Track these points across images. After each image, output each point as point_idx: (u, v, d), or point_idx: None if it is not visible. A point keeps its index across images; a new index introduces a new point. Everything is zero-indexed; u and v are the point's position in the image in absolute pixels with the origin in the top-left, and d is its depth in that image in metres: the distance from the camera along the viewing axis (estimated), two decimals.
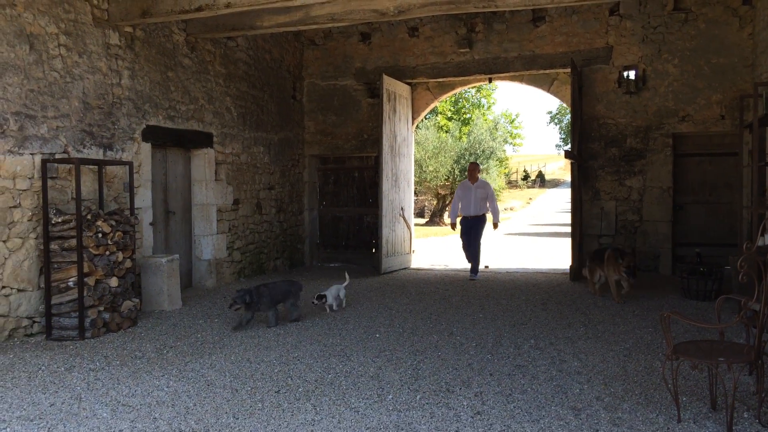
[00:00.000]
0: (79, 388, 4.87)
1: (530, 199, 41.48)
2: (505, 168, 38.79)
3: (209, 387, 4.90)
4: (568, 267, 10.41)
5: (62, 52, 6.78)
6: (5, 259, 6.20)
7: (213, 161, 9.44)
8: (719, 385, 4.24)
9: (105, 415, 4.32)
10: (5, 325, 6.22)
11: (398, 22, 11.46)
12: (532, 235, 20.54)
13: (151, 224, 8.14)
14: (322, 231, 12.79)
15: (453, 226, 11.19)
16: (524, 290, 9.22)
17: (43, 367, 5.39)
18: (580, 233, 10.35)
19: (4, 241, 6.18)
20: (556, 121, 55.89)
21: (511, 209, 35.51)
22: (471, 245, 10.37)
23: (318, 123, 12.34)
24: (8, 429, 4.07)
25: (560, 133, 55.29)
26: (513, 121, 45.53)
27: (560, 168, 56.65)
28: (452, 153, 26.06)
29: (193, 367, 5.41)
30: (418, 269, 11.87)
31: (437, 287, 9.60)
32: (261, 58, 10.81)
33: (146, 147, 8.04)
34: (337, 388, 4.85)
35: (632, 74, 10.36)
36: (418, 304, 8.19)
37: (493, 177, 27.80)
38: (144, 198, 8.00)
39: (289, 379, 5.10)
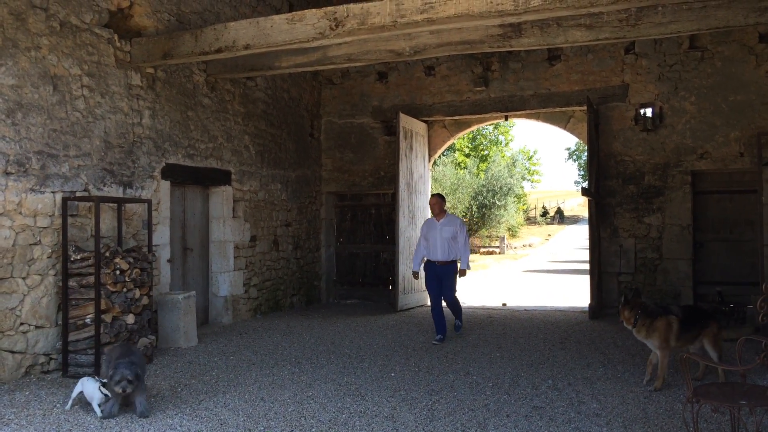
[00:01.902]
0: (93, 426, 4.87)
1: (549, 235, 41.23)
2: (523, 204, 38.79)
3: (222, 426, 4.87)
4: (587, 305, 10.28)
5: (85, 92, 6.94)
6: (24, 296, 6.26)
7: (231, 198, 9.54)
8: (741, 428, 4.12)
9: None
10: (22, 362, 6.25)
11: (414, 62, 11.62)
12: (551, 272, 20.35)
13: (168, 261, 8.20)
14: (339, 268, 12.78)
15: (415, 274, 8.60)
16: (542, 329, 9.10)
17: (58, 405, 5.39)
18: (599, 271, 10.25)
19: (24, 278, 6.26)
20: (574, 157, 55.93)
21: (529, 246, 35.30)
22: (445, 297, 8.32)
23: (335, 160, 12.45)
24: None
25: (579, 169, 55.27)
26: (531, 157, 45.69)
27: (579, 204, 56.38)
28: (470, 189, 26.18)
29: (206, 406, 5.38)
30: None
31: (453, 325, 9.48)
32: (279, 97, 10.98)
33: (165, 185, 8.15)
34: (351, 429, 4.80)
35: (649, 112, 10.35)
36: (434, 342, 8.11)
37: (511, 213, 27.83)
38: (162, 235, 8.07)
39: (303, 418, 5.05)
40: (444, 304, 8.37)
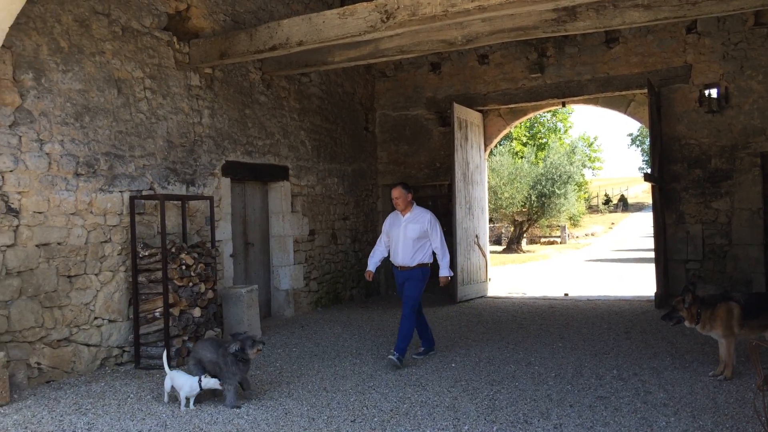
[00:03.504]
0: (164, 415, 5.05)
1: (612, 224, 40.23)
2: (584, 193, 37.94)
3: (287, 415, 4.97)
4: (653, 294, 10.00)
5: (147, 94, 7.18)
6: (97, 291, 6.54)
7: (289, 193, 9.70)
8: None
9: None
10: (97, 354, 6.54)
11: (468, 51, 11.52)
12: (615, 261, 19.88)
13: (231, 256, 8.41)
14: None
15: (369, 274, 6.96)
16: (606, 318, 8.92)
17: (132, 395, 5.62)
18: (665, 259, 9.95)
19: (96, 275, 6.54)
20: (637, 142, 54.31)
21: (592, 235, 34.54)
22: (403, 306, 6.64)
23: (390, 153, 12.49)
24: None
25: (642, 155, 53.65)
26: (591, 144, 44.58)
27: (644, 191, 54.75)
28: (528, 179, 25.71)
29: (271, 396, 5.51)
30: (495, 297, 11.70)
31: (514, 315, 9.42)
32: (334, 92, 11.08)
33: (226, 182, 8.35)
34: (413, 418, 4.82)
35: (714, 92, 9.96)
36: (495, 333, 8.06)
37: (572, 202, 27.20)
38: (224, 231, 8.29)
39: (365, 408, 5.11)
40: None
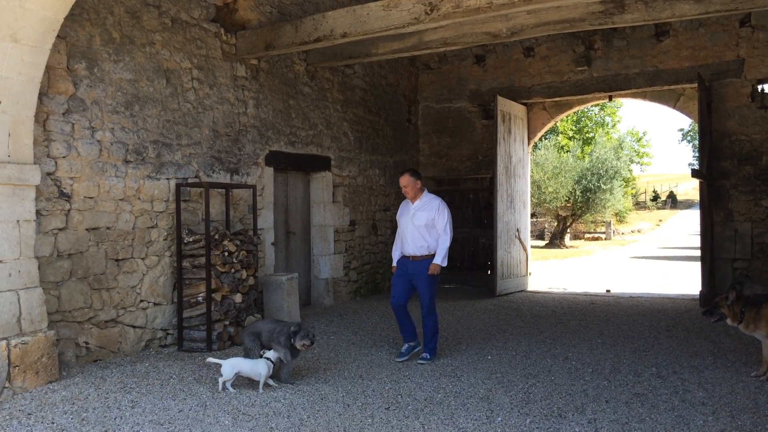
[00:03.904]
0: (205, 396, 5.20)
1: (660, 220, 39.36)
2: (631, 188, 37.19)
3: (323, 401, 5.07)
4: (698, 293, 9.79)
5: (195, 85, 7.36)
6: (143, 275, 6.76)
7: (331, 184, 9.81)
8: None
9: (227, 422, 4.59)
10: (143, 335, 6.76)
11: (513, 43, 11.41)
12: (661, 259, 19.48)
13: (272, 244, 8.57)
14: None
15: (395, 269, 6.59)
16: (648, 316, 8.78)
17: (174, 376, 5.80)
18: (711, 257, 9.72)
19: (143, 259, 6.75)
20: (689, 138, 52.87)
21: (638, 231, 33.88)
22: (421, 302, 6.39)
23: (432, 145, 12.49)
24: None
25: (694, 150, 52.22)
26: (640, 139, 43.62)
27: (694, 188, 53.26)
28: (573, 173, 25.35)
29: (308, 381, 5.62)
30: (535, 292, 11.62)
31: (554, 310, 9.35)
32: (377, 84, 11.14)
33: (269, 171, 8.50)
34: (446, 408, 4.86)
35: (767, 88, 9.66)
36: (533, 327, 8.02)
37: (618, 198, 26.72)
38: (266, 219, 8.44)
39: (399, 396, 5.17)
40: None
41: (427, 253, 6.33)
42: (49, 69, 5.68)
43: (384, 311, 9.29)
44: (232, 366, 5.38)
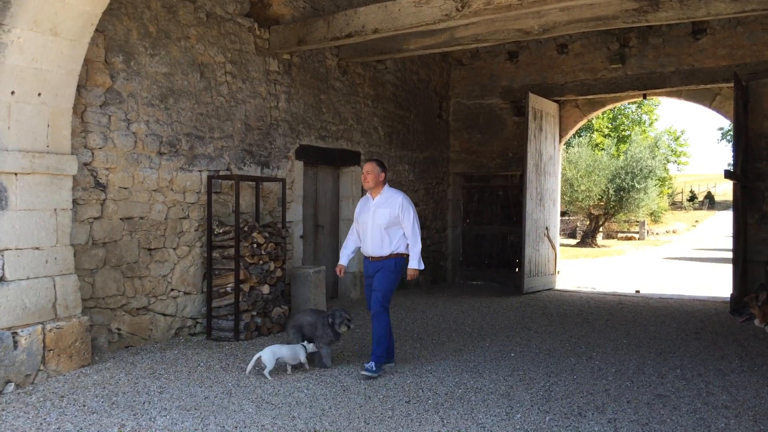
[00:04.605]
0: (230, 384, 5.33)
1: (696, 221, 38.63)
2: (667, 188, 36.56)
3: (345, 392, 5.15)
4: (729, 296, 9.63)
5: (228, 79, 7.49)
6: (174, 264, 6.92)
7: (360, 178, 9.87)
8: None
9: (250, 410, 4.70)
10: (173, 324, 6.93)
11: (546, 40, 11.33)
12: (694, 260, 19.15)
13: (301, 237, 8.68)
14: (465, 249, 12.84)
15: (339, 269, 6.12)
16: (676, 317, 8.68)
17: (202, 364, 5.94)
18: (744, 259, 9.54)
19: (174, 249, 6.91)
20: (728, 138, 51.70)
21: (673, 232, 33.31)
22: (372, 302, 5.87)
23: (463, 141, 12.48)
24: (168, 417, 4.55)
25: (733, 150, 51.03)
26: (678, 138, 42.82)
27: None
28: (606, 172, 25.03)
29: (331, 373, 5.71)
30: (563, 291, 11.55)
31: (581, 310, 9.30)
32: (408, 79, 11.17)
33: (299, 165, 8.61)
34: (466, 403, 4.91)
35: None
36: (558, 326, 8.00)
37: (652, 197, 26.31)
38: (295, 212, 8.56)
39: (420, 390, 5.23)
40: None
41: (388, 254, 5.78)
42: (87, 62, 5.86)
43: (410, 306, 9.36)
44: (272, 353, 5.58)
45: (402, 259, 5.85)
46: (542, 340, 7.16)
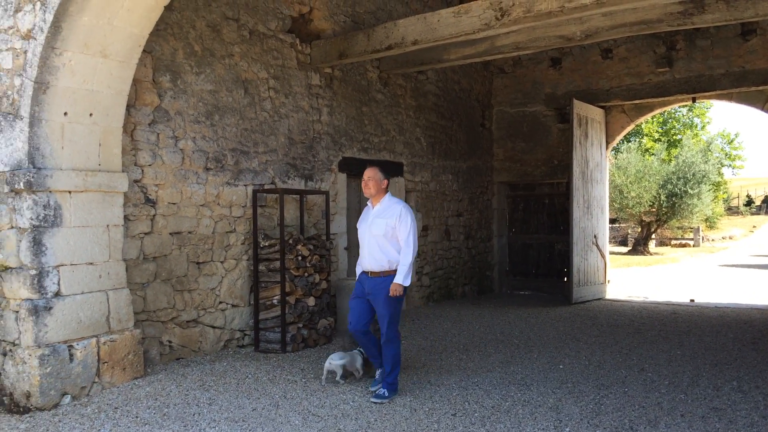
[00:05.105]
0: (277, 396, 5.38)
1: (754, 227, 37.28)
2: (723, 193, 35.46)
3: (390, 404, 5.14)
4: None
5: (271, 94, 7.61)
6: (222, 278, 7.04)
7: (403, 189, 9.90)
8: None
9: (297, 422, 4.73)
10: (221, 336, 7.05)
11: (590, 45, 11.17)
12: (752, 267, 18.49)
13: (345, 249, 8.73)
14: (511, 258, 12.70)
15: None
16: (733, 327, 8.38)
17: (250, 376, 6.02)
18: None
19: (222, 262, 7.04)
20: None
21: (729, 238, 32.24)
22: (381, 329, 5.48)
23: (507, 150, 12.37)
24: (217, 428, 4.62)
25: None
26: (732, 141, 41.56)
27: None
28: (657, 177, 24.43)
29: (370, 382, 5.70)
30: (613, 300, 11.29)
31: (632, 320, 9.07)
32: (450, 89, 11.15)
33: (342, 177, 8.68)
34: (514, 417, 4.84)
35: None
36: (609, 337, 7.82)
37: (706, 203, 25.53)
38: (340, 224, 8.61)
39: (467, 403, 5.18)
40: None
41: (387, 269, 5.33)
42: (136, 82, 6.04)
43: (456, 317, 9.29)
44: (338, 362, 5.74)
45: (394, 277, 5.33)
46: (592, 352, 7.01)
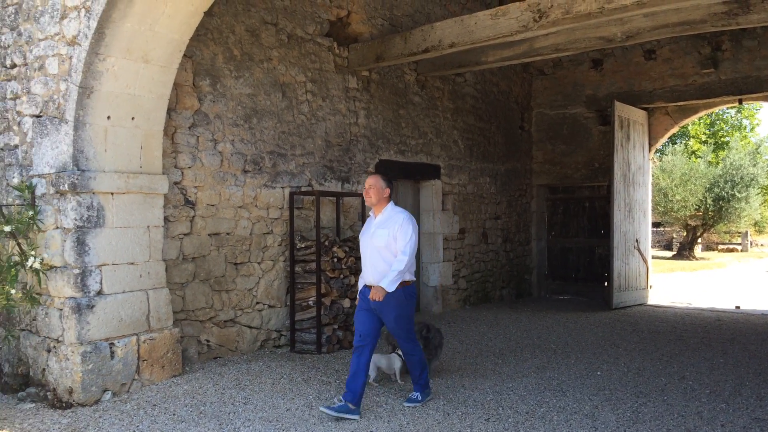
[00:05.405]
0: (311, 397, 5.42)
1: None
2: None
3: (423, 408, 5.13)
4: None
5: (308, 97, 7.69)
6: (259, 278, 7.14)
7: (440, 192, 9.87)
8: None
9: (330, 423, 4.76)
10: (258, 336, 7.14)
11: (632, 46, 10.96)
12: None
13: None
14: (551, 262, 12.54)
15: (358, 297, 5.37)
16: None
17: (285, 376, 6.08)
18: None
19: (259, 263, 7.13)
20: None
21: None
22: (398, 342, 5.33)
23: (546, 152, 12.23)
24: (251, 427, 4.69)
25: None
26: None
27: None
28: (704, 180, 23.82)
29: (410, 388, 5.69)
30: (656, 306, 11.05)
31: (674, 326, 8.87)
32: (488, 91, 11.08)
33: None
34: (548, 423, 4.78)
35: None
36: (649, 344, 7.66)
37: (755, 206, 24.78)
38: None
39: (500, 408, 5.14)
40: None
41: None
42: (176, 86, 6.17)
43: (492, 321, 9.23)
44: (373, 362, 5.72)
45: (408, 287, 5.08)
46: (631, 359, 6.88)
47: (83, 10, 5.16)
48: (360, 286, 5.32)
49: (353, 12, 8.26)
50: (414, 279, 5.15)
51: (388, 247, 5.02)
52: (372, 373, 5.73)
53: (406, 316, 5.09)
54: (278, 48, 7.31)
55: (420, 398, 5.24)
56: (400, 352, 5.83)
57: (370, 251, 5.11)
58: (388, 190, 5.20)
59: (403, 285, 5.02)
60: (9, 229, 5.26)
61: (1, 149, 5.88)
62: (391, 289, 4.94)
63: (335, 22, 8.07)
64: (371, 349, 5.06)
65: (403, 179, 9.44)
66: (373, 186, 5.16)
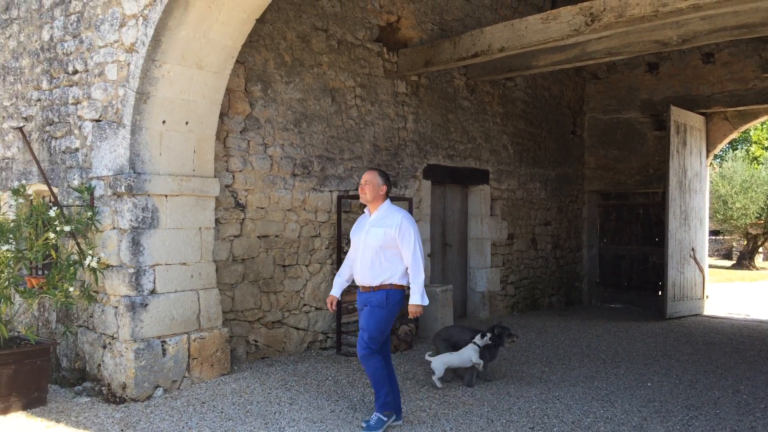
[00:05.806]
0: (355, 399, 5.47)
1: None
2: None
3: (467, 414, 5.11)
4: None
5: (357, 102, 7.76)
6: (306, 281, 7.23)
7: (489, 197, 9.81)
8: None
9: (373, 426, 4.78)
10: (305, 337, 7.23)
11: (689, 50, 10.68)
12: None
13: (428, 255, 8.74)
14: (602, 269, 12.29)
15: (331, 301, 5.05)
16: None
17: (330, 378, 6.14)
18: None
19: (306, 266, 7.23)
20: None
21: None
22: (359, 340, 4.79)
23: (599, 158, 12.01)
24: (296, 427, 4.75)
25: None
26: None
27: None
28: (766, 187, 22.95)
29: (454, 393, 5.69)
30: (711, 317, 10.70)
31: (730, 338, 8.58)
32: (539, 96, 10.95)
33: (426, 184, 8.70)
34: None
35: None
36: (703, 355, 7.44)
37: None
38: (423, 231, 8.63)
39: (546, 417, 5.07)
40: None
41: (381, 282, 4.71)
42: (229, 91, 6.32)
43: (540, 328, 9.11)
44: (442, 362, 5.82)
45: (396, 291, 4.72)
46: (684, 370, 6.69)
47: (141, 18, 5.35)
48: (337, 285, 5.04)
49: (403, 17, 8.30)
50: (402, 285, 4.78)
51: (383, 246, 4.68)
52: (440, 370, 5.81)
53: (380, 318, 4.68)
54: (328, 53, 7.40)
55: (374, 424, 4.66)
56: (476, 341, 5.93)
57: (363, 250, 4.76)
58: (385, 188, 4.85)
59: (389, 287, 4.70)
60: (69, 229, 5.48)
61: (63, 152, 6.14)
62: (425, 302, 4.69)
63: (385, 27, 8.12)
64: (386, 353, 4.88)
65: (451, 184, 9.42)
66: (369, 182, 4.82)
